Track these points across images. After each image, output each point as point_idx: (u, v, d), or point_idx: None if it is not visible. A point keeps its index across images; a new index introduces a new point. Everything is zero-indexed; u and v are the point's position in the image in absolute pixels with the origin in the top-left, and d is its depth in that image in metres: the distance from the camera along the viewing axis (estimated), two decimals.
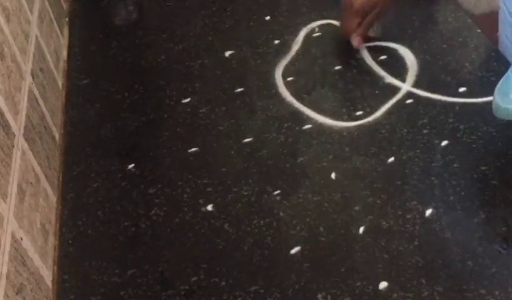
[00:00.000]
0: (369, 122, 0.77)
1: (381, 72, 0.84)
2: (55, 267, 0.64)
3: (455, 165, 0.71)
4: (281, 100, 0.82)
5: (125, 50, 0.93)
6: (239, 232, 0.66)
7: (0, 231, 0.51)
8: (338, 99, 0.81)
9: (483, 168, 0.70)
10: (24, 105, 0.66)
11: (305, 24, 0.95)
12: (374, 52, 0.88)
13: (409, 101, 0.79)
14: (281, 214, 0.67)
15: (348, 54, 0.88)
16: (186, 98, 0.83)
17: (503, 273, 0.60)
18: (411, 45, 0.88)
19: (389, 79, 0.83)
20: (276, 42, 0.92)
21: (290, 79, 0.85)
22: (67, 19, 1.01)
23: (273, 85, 0.84)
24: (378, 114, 0.78)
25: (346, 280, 0.60)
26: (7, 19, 0.66)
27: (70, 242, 0.67)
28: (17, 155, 0.59)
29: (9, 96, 0.61)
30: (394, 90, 0.81)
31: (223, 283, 0.61)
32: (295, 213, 0.67)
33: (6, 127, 0.58)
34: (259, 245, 0.64)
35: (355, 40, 0.84)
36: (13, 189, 0.56)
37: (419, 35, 0.90)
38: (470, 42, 0.88)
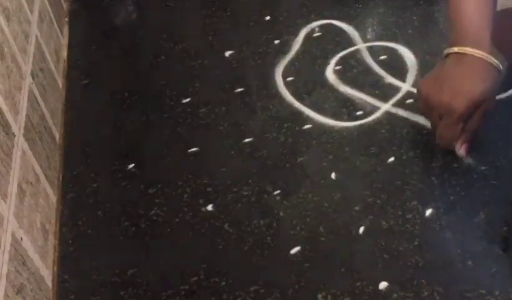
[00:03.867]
0: (369, 122, 0.77)
1: (381, 72, 0.84)
2: (55, 267, 0.64)
3: (455, 165, 0.71)
4: (281, 100, 0.82)
5: (125, 50, 0.93)
6: (239, 232, 0.66)
7: (0, 231, 0.51)
8: (338, 99, 0.81)
9: (483, 168, 0.70)
10: (24, 105, 0.66)
11: (305, 24, 0.95)
12: (374, 52, 0.88)
13: (409, 101, 0.79)
14: (281, 214, 0.67)
15: (348, 54, 0.88)
16: (186, 98, 0.83)
17: (503, 273, 0.60)
18: (411, 45, 0.88)
19: (389, 79, 0.83)
20: (276, 42, 0.92)
21: (290, 79, 0.85)
22: (67, 19, 1.01)
23: (273, 85, 0.84)
24: (378, 114, 0.78)
25: (346, 280, 0.60)
26: (7, 19, 0.66)
27: (70, 242, 0.67)
28: (17, 155, 0.59)
29: (9, 96, 0.61)
30: (394, 90, 0.81)
31: (223, 283, 0.61)
32: (295, 213, 0.67)
33: (6, 127, 0.58)
34: (259, 245, 0.64)
35: (462, 150, 0.69)
36: (13, 189, 0.56)
37: (419, 35, 0.90)
38: None
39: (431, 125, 0.71)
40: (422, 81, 0.71)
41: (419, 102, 0.71)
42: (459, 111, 0.65)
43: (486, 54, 0.66)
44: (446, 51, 0.69)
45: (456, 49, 0.67)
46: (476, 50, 0.66)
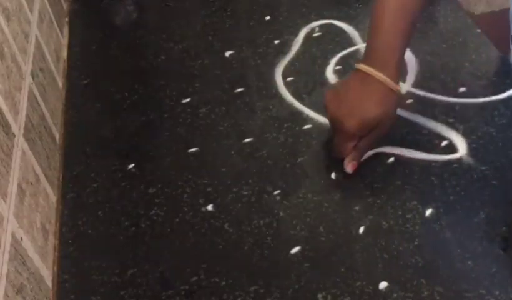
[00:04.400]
0: None
1: None
2: (55, 267, 0.64)
3: (455, 165, 0.71)
4: (281, 100, 0.82)
5: (125, 50, 0.93)
6: (239, 232, 0.66)
7: (0, 231, 0.51)
8: None
9: (483, 168, 0.70)
10: (24, 105, 0.66)
11: (305, 24, 0.95)
12: None
13: (409, 101, 0.79)
14: (281, 214, 0.67)
15: (348, 54, 0.88)
16: (186, 98, 0.83)
17: (503, 273, 0.60)
18: (411, 45, 0.87)
19: None
20: (276, 42, 0.92)
21: (290, 79, 0.85)
22: (67, 19, 1.01)
23: (273, 85, 0.84)
24: None
25: (346, 280, 0.60)
26: (7, 19, 0.66)
27: (70, 242, 0.67)
28: (17, 155, 0.59)
29: (9, 96, 0.61)
30: None
31: (223, 283, 0.61)
32: (295, 213, 0.67)
33: (6, 127, 0.58)
34: (259, 245, 0.64)
35: (348, 166, 0.69)
36: (13, 189, 0.56)
37: (419, 35, 0.90)
38: (470, 42, 0.88)
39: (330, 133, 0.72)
40: (328, 90, 0.72)
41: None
42: (350, 131, 0.67)
43: (388, 79, 0.66)
44: (356, 65, 0.70)
45: (362, 66, 0.68)
46: (379, 74, 0.66)
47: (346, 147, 0.69)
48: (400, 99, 0.69)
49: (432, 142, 0.74)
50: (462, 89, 0.80)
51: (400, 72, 0.68)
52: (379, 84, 0.67)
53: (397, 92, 0.68)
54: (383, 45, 0.68)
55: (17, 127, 0.62)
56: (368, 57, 0.69)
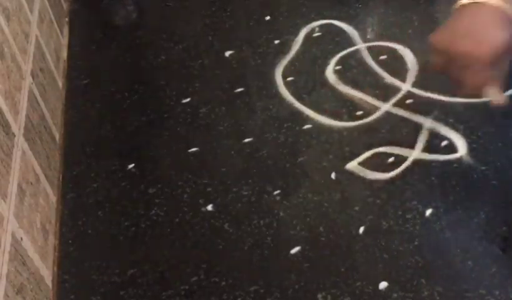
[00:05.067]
0: (369, 122, 0.77)
1: (381, 72, 0.84)
2: (55, 267, 0.64)
3: (455, 165, 0.71)
4: (281, 100, 0.82)
5: (125, 50, 0.93)
6: (239, 232, 0.66)
7: (0, 231, 0.51)
8: (338, 99, 0.81)
9: (483, 168, 0.70)
10: (24, 105, 0.66)
11: (305, 24, 0.94)
12: (374, 52, 0.88)
13: (409, 101, 0.79)
14: (281, 214, 0.67)
15: (348, 54, 0.88)
16: (186, 98, 0.83)
17: (503, 273, 0.60)
18: (411, 45, 0.88)
19: (389, 79, 0.83)
20: (276, 42, 0.92)
21: (290, 79, 0.85)
22: (67, 19, 1.01)
23: (273, 85, 0.84)
24: (378, 114, 0.78)
25: (346, 280, 0.60)
26: (7, 19, 0.66)
27: (70, 242, 0.67)
28: (17, 155, 0.59)
29: (9, 96, 0.61)
30: (394, 90, 0.81)
31: (223, 283, 0.61)
32: (295, 213, 0.67)
33: (6, 127, 0.58)
34: (259, 245, 0.64)
35: (497, 95, 0.64)
36: (13, 189, 0.56)
37: (419, 35, 0.90)
38: None
39: (452, 79, 0.66)
40: (436, 36, 0.67)
41: (432, 58, 0.67)
42: (485, 57, 0.62)
43: (502, 4, 0.64)
44: (458, 3, 0.67)
45: (466, 0, 0.66)
46: (492, 0, 0.64)
47: (485, 77, 0.63)
48: None
49: (432, 142, 0.74)
50: None
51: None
52: (496, 10, 0.64)
53: None
54: None
55: (17, 127, 0.62)
56: None
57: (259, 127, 0.78)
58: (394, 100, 0.80)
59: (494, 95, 0.64)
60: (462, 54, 0.64)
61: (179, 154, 0.75)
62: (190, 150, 0.76)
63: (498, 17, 0.65)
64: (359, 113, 0.79)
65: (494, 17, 0.65)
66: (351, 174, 0.71)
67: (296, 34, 0.93)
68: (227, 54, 0.90)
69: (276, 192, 0.69)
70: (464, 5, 0.67)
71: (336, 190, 0.69)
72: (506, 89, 0.65)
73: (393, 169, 0.71)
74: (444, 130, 0.75)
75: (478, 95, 0.65)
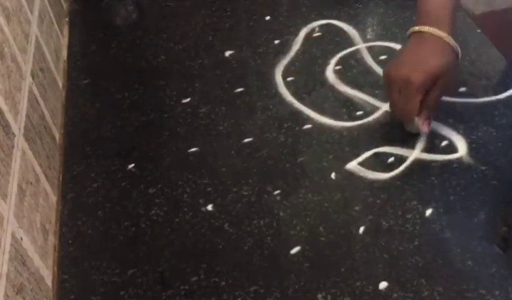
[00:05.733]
0: (369, 122, 0.77)
1: (381, 72, 0.84)
2: (55, 267, 0.64)
3: (455, 165, 0.71)
4: (281, 100, 0.82)
5: (125, 50, 0.93)
6: (239, 232, 0.66)
7: (0, 231, 0.51)
8: (338, 99, 0.81)
9: (483, 168, 0.70)
10: (24, 105, 0.66)
11: (305, 24, 0.95)
12: (374, 52, 0.88)
13: None
14: (281, 214, 0.67)
15: (348, 54, 0.88)
16: (186, 98, 0.83)
17: (503, 273, 0.60)
18: None
19: None
20: (276, 42, 0.92)
21: (290, 79, 0.85)
22: (67, 19, 1.01)
23: (273, 85, 0.84)
24: (378, 114, 0.78)
25: (346, 280, 0.60)
26: (7, 19, 0.66)
27: (70, 242, 0.67)
28: (17, 155, 0.59)
29: (9, 96, 0.61)
30: None
31: (223, 283, 0.61)
32: (295, 213, 0.67)
33: (6, 127, 0.58)
34: (259, 245, 0.64)
35: (424, 126, 0.72)
36: (13, 189, 0.56)
37: None
38: (470, 42, 0.88)
39: (390, 101, 0.73)
40: (388, 63, 0.74)
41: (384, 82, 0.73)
42: (417, 83, 0.68)
43: (444, 34, 0.70)
44: (409, 31, 0.73)
45: (416, 28, 0.72)
46: (435, 30, 0.70)
47: (415, 105, 0.69)
48: (457, 55, 0.71)
49: (432, 142, 0.74)
50: (462, 89, 0.81)
51: (454, 29, 0.71)
52: (438, 39, 0.70)
53: (455, 47, 0.70)
54: (435, 4, 0.71)
55: (17, 127, 0.62)
56: (421, 19, 0.72)
57: (259, 127, 0.78)
58: None
59: (418, 125, 0.71)
60: (399, 79, 0.70)
61: (179, 154, 0.75)
62: (190, 150, 0.76)
63: (440, 46, 0.70)
64: (359, 113, 0.79)
65: (436, 46, 0.70)
66: (351, 174, 0.71)
67: (296, 34, 0.93)
68: (227, 54, 0.90)
69: (276, 192, 0.69)
70: (413, 33, 0.73)
71: (336, 190, 0.69)
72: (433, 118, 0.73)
73: (393, 169, 0.71)
74: (444, 130, 0.75)
75: (406, 120, 0.72)
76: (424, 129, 0.72)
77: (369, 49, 0.89)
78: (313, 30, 0.93)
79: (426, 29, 0.70)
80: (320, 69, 0.86)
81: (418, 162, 0.71)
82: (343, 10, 0.96)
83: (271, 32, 0.93)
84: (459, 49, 0.70)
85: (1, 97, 0.58)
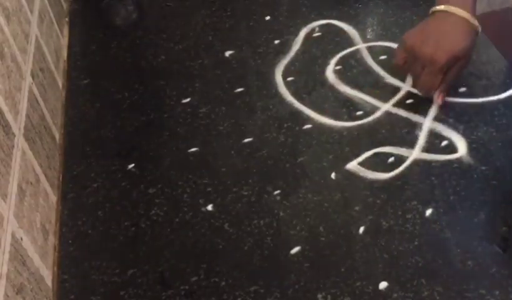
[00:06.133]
0: (369, 122, 0.77)
1: (381, 72, 0.84)
2: (55, 267, 0.64)
3: (455, 165, 0.71)
4: (281, 100, 0.82)
5: (125, 50, 0.93)
6: (239, 232, 0.66)
7: (0, 231, 0.51)
8: (338, 99, 0.81)
9: (483, 168, 0.70)
10: (24, 105, 0.66)
11: (305, 24, 0.95)
12: (374, 52, 0.88)
13: (409, 101, 0.79)
14: (281, 214, 0.67)
15: (348, 54, 0.88)
16: (186, 98, 0.83)
17: (503, 273, 0.60)
18: None
19: (389, 79, 0.83)
20: (276, 42, 0.92)
21: (290, 79, 0.85)
22: (67, 19, 1.01)
23: (273, 85, 0.84)
24: (378, 114, 0.78)
25: (346, 280, 0.60)
26: (7, 19, 0.66)
27: (70, 242, 0.67)
28: (17, 155, 0.59)
29: (9, 96, 0.61)
30: (394, 90, 0.81)
31: (223, 283, 0.61)
32: (295, 213, 0.67)
33: (6, 127, 0.58)
34: (259, 245, 0.64)
35: (439, 98, 0.76)
36: (13, 189, 0.56)
37: None
38: None
39: (412, 73, 0.78)
40: (407, 34, 0.77)
41: (398, 53, 0.78)
42: (440, 63, 0.72)
43: (468, 15, 0.73)
44: (433, 9, 0.77)
45: (442, 7, 0.75)
46: (459, 10, 0.74)
47: (436, 81, 0.74)
48: (477, 36, 0.75)
49: (432, 142, 0.74)
50: (462, 89, 0.81)
51: (475, 10, 0.74)
52: (462, 20, 0.74)
53: (476, 28, 0.74)
54: None
55: (17, 127, 0.62)
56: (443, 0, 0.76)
57: (259, 127, 0.78)
58: (394, 100, 0.80)
59: (438, 99, 0.76)
60: (423, 55, 0.74)
61: (179, 154, 0.75)
62: (190, 150, 0.76)
63: (463, 27, 0.74)
64: (359, 113, 0.79)
65: (459, 26, 0.74)
66: (351, 174, 0.71)
67: (296, 34, 0.93)
68: (227, 54, 0.90)
69: (276, 192, 0.69)
70: (437, 11, 0.76)
71: (336, 190, 0.69)
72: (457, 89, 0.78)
73: (393, 169, 0.71)
74: (444, 130, 0.75)
75: (426, 94, 0.77)
76: (438, 101, 0.76)
77: (369, 49, 0.89)
78: (313, 30, 0.93)
79: (451, 8, 0.74)
80: (320, 69, 0.86)
81: (418, 162, 0.71)
82: (343, 10, 0.96)
83: (271, 32, 0.93)
84: (480, 28, 0.74)
85: (1, 97, 0.58)
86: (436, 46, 0.72)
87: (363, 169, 0.71)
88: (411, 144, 0.74)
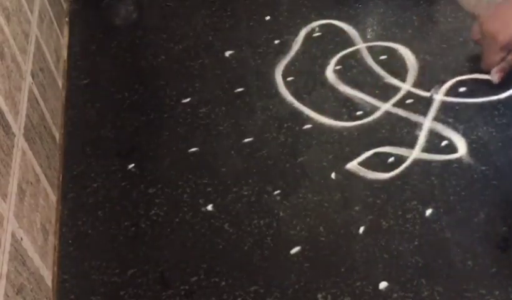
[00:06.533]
0: (369, 122, 0.77)
1: (381, 72, 0.84)
2: (55, 267, 0.64)
3: (455, 165, 0.71)
4: (281, 100, 0.82)
5: (125, 50, 0.93)
6: (239, 232, 0.66)
7: (0, 231, 0.51)
8: (338, 99, 0.81)
9: (483, 168, 0.70)
10: (24, 105, 0.66)
11: (305, 24, 0.95)
12: (374, 52, 0.88)
13: (409, 101, 0.79)
14: (281, 214, 0.67)
15: (348, 54, 0.88)
16: (186, 98, 0.83)
17: (503, 273, 0.60)
18: (411, 45, 0.88)
19: (389, 79, 0.83)
20: (276, 42, 0.92)
21: (290, 79, 0.85)
22: (67, 19, 1.01)
23: (273, 85, 0.84)
24: (378, 114, 0.78)
25: (346, 280, 0.60)
26: (7, 19, 0.66)
27: (70, 242, 0.67)
28: (17, 155, 0.59)
29: (9, 96, 0.61)
30: (394, 90, 0.81)
31: (223, 283, 0.61)
32: (295, 213, 0.67)
33: (6, 127, 0.58)
34: (259, 245, 0.64)
35: (496, 77, 0.80)
36: (13, 189, 0.56)
37: (419, 35, 0.90)
38: (470, 42, 0.87)
39: (482, 49, 0.81)
40: (484, 12, 0.79)
41: (474, 29, 0.81)
42: (502, 43, 0.75)
43: None
44: None
45: None
46: None
47: (495, 59, 0.78)
48: None
49: (432, 142, 0.74)
50: (462, 89, 0.81)
51: None
52: None
53: None
54: None
55: (17, 127, 0.62)
56: None
57: (259, 127, 0.78)
58: (394, 100, 0.80)
59: (495, 76, 0.80)
60: (488, 33, 0.76)
61: (179, 154, 0.75)
62: (190, 150, 0.76)
63: None
64: (359, 113, 0.79)
65: None
66: (351, 174, 0.71)
67: (296, 34, 0.93)
68: (227, 54, 0.90)
69: (276, 192, 0.69)
70: None
71: (336, 190, 0.69)
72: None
73: (393, 169, 0.71)
74: (444, 130, 0.75)
75: (486, 69, 0.81)
76: (494, 78, 0.80)
77: (369, 49, 0.89)
78: (313, 30, 0.93)
79: None
80: (320, 69, 0.86)
81: (418, 162, 0.71)
82: (343, 10, 0.96)
83: (271, 32, 0.93)
84: None
85: (1, 97, 0.58)
86: (501, 26, 0.74)
87: (363, 169, 0.71)
88: (411, 144, 0.74)
